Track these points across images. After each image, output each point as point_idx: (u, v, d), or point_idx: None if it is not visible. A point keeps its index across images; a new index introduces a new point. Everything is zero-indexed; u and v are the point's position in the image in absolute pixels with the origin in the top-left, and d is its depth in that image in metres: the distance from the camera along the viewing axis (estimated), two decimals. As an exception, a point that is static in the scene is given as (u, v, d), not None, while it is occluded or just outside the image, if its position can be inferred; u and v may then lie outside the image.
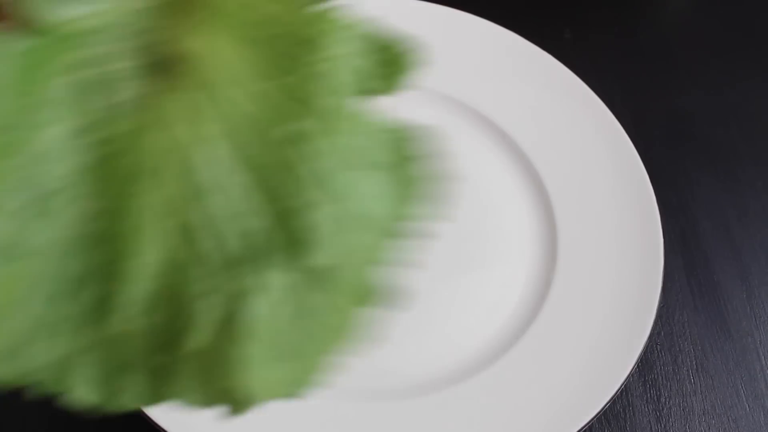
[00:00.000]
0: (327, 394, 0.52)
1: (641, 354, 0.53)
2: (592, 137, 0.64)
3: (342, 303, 0.31)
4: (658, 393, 0.57)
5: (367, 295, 0.31)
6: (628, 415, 0.56)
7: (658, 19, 0.82)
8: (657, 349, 0.59)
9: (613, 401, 0.54)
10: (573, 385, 0.52)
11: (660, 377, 0.58)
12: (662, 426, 0.55)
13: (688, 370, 0.58)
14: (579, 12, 0.81)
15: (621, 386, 0.52)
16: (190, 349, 0.29)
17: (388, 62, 0.34)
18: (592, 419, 0.50)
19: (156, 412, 0.48)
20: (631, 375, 0.52)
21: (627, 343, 0.54)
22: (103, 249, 0.31)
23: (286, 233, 0.30)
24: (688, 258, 0.64)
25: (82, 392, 0.29)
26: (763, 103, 0.75)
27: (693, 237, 0.65)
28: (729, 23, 0.82)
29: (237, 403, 0.31)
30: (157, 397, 0.30)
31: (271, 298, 0.30)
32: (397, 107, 0.57)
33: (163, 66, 0.33)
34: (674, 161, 0.70)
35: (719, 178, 0.69)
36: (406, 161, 0.32)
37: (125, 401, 0.30)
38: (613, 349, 0.53)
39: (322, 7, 0.33)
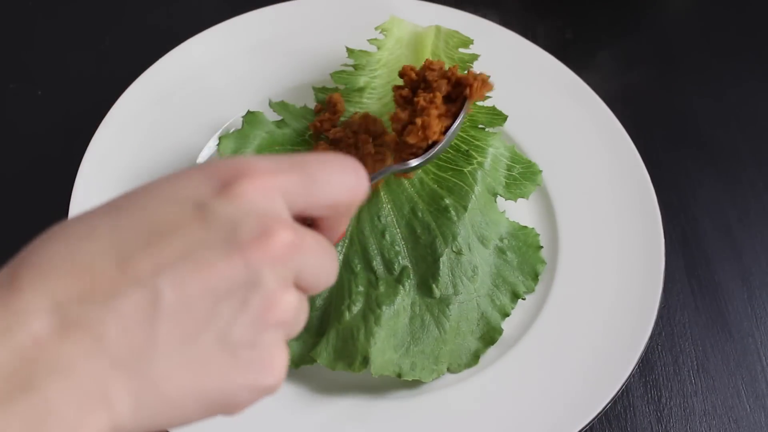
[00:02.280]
0: (327, 392, 0.52)
1: (642, 354, 0.53)
2: (592, 137, 0.64)
3: (445, 325, 0.53)
4: (659, 393, 0.57)
5: (463, 323, 0.54)
6: (629, 416, 0.56)
7: (659, 20, 0.82)
8: (658, 349, 0.59)
9: (614, 402, 0.54)
10: (574, 385, 0.52)
11: (661, 378, 0.58)
12: (663, 426, 0.55)
13: (689, 371, 0.58)
14: (580, 12, 0.81)
15: (622, 387, 0.52)
16: (345, 321, 0.51)
17: (517, 176, 0.60)
18: (593, 420, 0.50)
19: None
20: (632, 375, 0.52)
21: (628, 344, 0.53)
22: None
23: (418, 272, 0.54)
24: (689, 258, 0.64)
25: None
26: (764, 104, 0.75)
27: (694, 237, 0.65)
28: (730, 24, 0.82)
29: (358, 366, 0.50)
30: (308, 359, 0.51)
31: (395, 306, 0.52)
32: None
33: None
34: (675, 162, 0.70)
35: (720, 179, 0.69)
36: (506, 249, 0.57)
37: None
38: (614, 349, 0.53)
39: (482, 130, 0.60)
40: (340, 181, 0.32)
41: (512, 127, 0.65)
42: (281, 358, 0.30)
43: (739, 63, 0.78)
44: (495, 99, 0.63)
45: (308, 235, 0.30)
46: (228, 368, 0.28)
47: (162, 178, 0.29)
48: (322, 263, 0.32)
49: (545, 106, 0.66)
